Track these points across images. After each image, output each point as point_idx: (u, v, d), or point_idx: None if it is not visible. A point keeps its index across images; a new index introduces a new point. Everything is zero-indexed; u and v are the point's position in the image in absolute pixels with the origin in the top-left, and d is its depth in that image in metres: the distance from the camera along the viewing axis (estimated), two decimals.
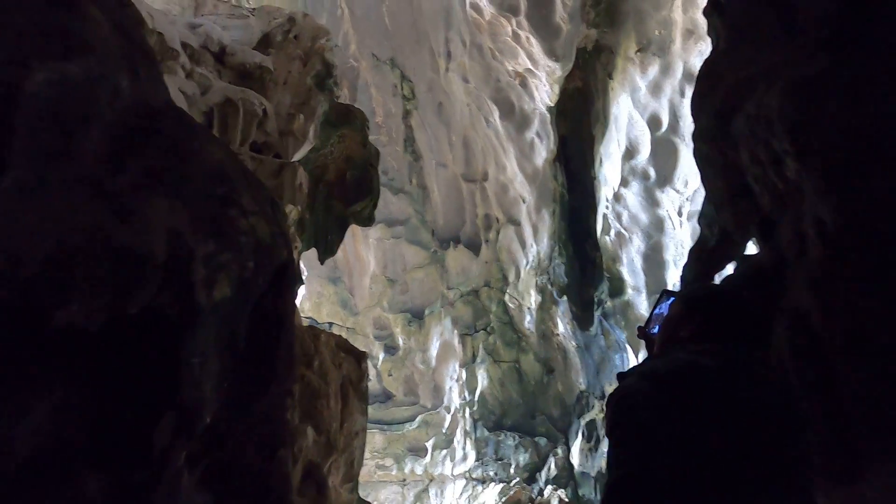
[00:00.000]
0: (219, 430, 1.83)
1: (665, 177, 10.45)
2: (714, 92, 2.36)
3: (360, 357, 5.75)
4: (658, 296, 1.54)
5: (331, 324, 14.53)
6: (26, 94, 1.40)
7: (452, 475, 13.57)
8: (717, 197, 2.43)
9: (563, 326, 13.11)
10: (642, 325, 1.52)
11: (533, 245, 13.28)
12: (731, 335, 1.15)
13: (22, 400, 1.46)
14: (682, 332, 1.22)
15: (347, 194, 7.67)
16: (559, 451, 12.98)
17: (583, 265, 12.38)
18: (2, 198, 1.33)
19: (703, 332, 1.17)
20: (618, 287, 11.48)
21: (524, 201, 13.15)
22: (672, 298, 1.45)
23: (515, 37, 11.38)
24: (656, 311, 1.48)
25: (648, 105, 10.45)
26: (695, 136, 2.59)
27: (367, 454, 12.95)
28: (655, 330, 1.42)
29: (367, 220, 7.98)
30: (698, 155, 2.54)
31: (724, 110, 2.23)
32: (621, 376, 1.17)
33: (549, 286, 13.08)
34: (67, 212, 1.43)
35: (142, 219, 1.55)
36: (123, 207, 1.54)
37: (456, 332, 14.16)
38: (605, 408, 1.18)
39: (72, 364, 1.50)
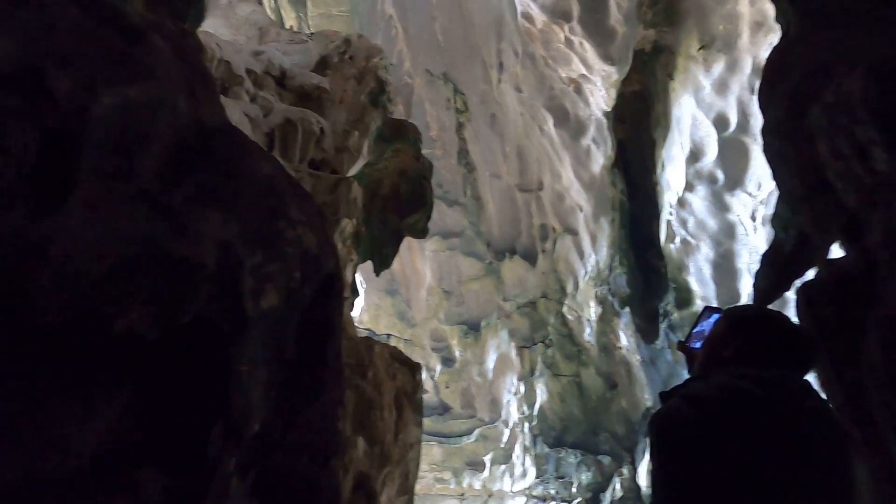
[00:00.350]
0: (269, 437, 1.86)
1: (735, 179, 9.79)
2: (785, 81, 2.16)
3: (414, 368, 5.75)
4: (700, 311, 1.51)
5: (389, 335, 14.76)
6: (93, 116, 1.51)
7: (512, 492, 13.24)
8: (793, 196, 2.21)
9: (625, 339, 12.53)
10: (683, 339, 1.47)
11: (591, 255, 12.85)
12: (772, 359, 1.14)
13: (90, 402, 1.55)
14: (724, 351, 1.22)
15: (402, 207, 7.79)
16: (625, 470, 12.32)
17: (646, 275, 11.81)
18: (70, 213, 1.44)
19: (744, 354, 1.18)
20: (685, 298, 10.82)
21: (581, 210, 12.78)
22: (715, 315, 1.42)
23: (568, 43, 11.19)
24: (697, 328, 1.45)
25: (714, 104, 9.87)
26: (764, 131, 2.38)
27: (425, 467, 12.92)
28: (696, 345, 1.39)
29: (422, 233, 8.05)
30: (769, 151, 2.32)
31: (797, 100, 2.03)
32: (663, 396, 1.18)
33: (610, 297, 12.57)
34: (127, 225, 1.52)
35: (194, 231, 1.62)
36: (178, 221, 1.61)
37: (513, 344, 13.92)
38: (648, 428, 1.14)
39: (133, 370, 1.58)
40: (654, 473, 1.04)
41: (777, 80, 2.12)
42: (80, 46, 1.58)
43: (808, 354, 1.19)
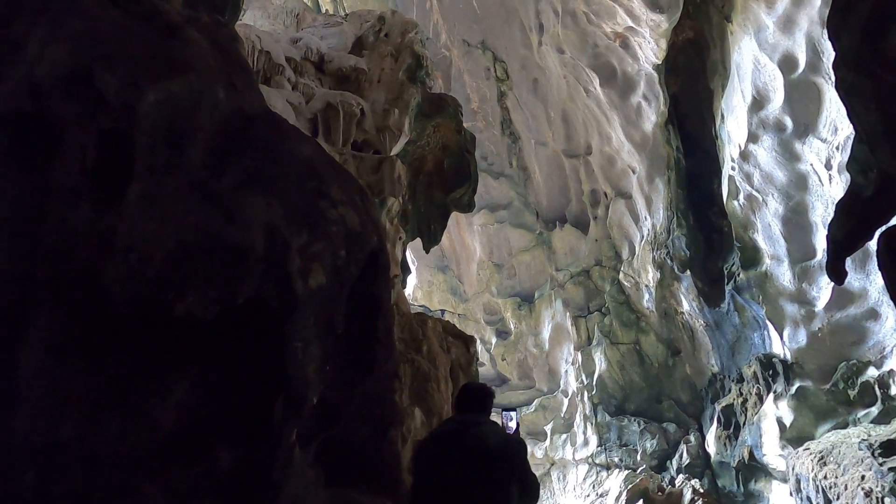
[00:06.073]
0: (327, 409, 1.95)
1: (805, 125, 8.95)
2: (860, 3, 1.91)
3: (468, 341, 5.81)
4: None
5: (443, 311, 14.97)
6: (140, 114, 1.58)
7: (574, 460, 13.26)
8: (872, 134, 1.98)
9: (687, 304, 12.01)
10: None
11: (647, 218, 12.31)
12: (466, 408, 2.01)
13: (165, 380, 1.67)
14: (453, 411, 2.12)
15: (446, 182, 7.76)
16: (692, 438, 11.98)
17: (707, 236, 11.18)
18: (130, 206, 1.53)
19: (456, 408, 2.05)
20: (752, 257, 10.16)
21: (634, 172, 12.21)
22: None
23: None
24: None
25: (779, 44, 8.99)
26: (836, 64, 2.13)
27: None
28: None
29: (468, 206, 8.01)
30: (842, 86, 2.09)
31: (874, 24, 1.80)
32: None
33: (669, 261, 12.04)
34: (182, 215, 1.60)
35: (243, 216, 1.69)
36: (227, 207, 1.68)
37: (568, 314, 13.73)
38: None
39: (198, 351, 1.68)
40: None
41: (851, 3, 1.88)
42: (124, 46, 1.66)
43: (486, 402, 1.99)
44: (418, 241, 8.06)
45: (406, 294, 8.68)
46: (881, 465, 6.88)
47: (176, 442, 1.61)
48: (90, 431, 1.44)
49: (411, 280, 13.98)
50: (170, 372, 1.62)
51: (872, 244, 2.59)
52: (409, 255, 9.79)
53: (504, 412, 2.24)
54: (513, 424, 2.18)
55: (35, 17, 1.52)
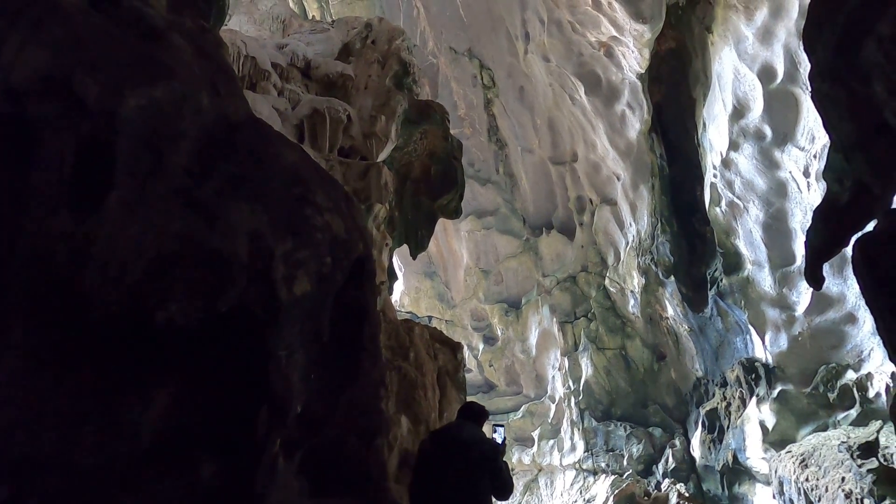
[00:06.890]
0: (312, 418, 1.93)
1: (784, 134, 9.17)
2: (834, 17, 1.97)
3: (455, 348, 5.80)
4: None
5: (430, 317, 14.93)
6: (122, 119, 1.56)
7: (562, 465, 13.27)
8: (847, 143, 2.04)
9: (672, 309, 12.15)
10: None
11: (632, 224, 12.46)
12: (463, 418, 2.69)
13: (145, 391, 1.64)
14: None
15: (433, 189, 7.76)
16: (677, 442, 12.08)
17: (690, 242, 11.34)
18: (109, 213, 1.50)
19: (457, 417, 2.76)
20: (734, 263, 10.33)
21: (619, 179, 12.36)
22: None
23: (596, 4, 10.69)
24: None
25: (758, 55, 9.22)
26: (812, 75, 2.20)
27: None
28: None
29: (455, 213, 8.01)
30: (818, 96, 2.15)
31: (847, 37, 1.85)
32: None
33: (654, 267, 12.18)
34: (163, 222, 1.58)
35: (226, 223, 1.67)
36: (210, 214, 1.66)
37: (555, 320, 13.79)
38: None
39: (179, 360, 1.66)
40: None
41: (825, 17, 1.94)
42: (106, 51, 1.63)
43: (478, 417, 2.52)
44: (405, 247, 8.04)
45: (393, 300, 8.65)
46: (860, 466, 7.01)
47: (157, 452, 1.57)
48: (68, 442, 1.40)
49: (398, 286, 13.94)
50: (151, 381, 1.59)
51: (850, 250, 2.65)
52: (395, 262, 9.76)
53: (495, 427, 2.66)
54: (499, 440, 2.51)
55: (11, 20, 1.49)
